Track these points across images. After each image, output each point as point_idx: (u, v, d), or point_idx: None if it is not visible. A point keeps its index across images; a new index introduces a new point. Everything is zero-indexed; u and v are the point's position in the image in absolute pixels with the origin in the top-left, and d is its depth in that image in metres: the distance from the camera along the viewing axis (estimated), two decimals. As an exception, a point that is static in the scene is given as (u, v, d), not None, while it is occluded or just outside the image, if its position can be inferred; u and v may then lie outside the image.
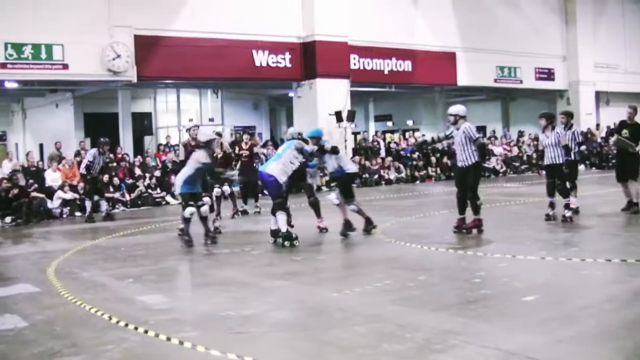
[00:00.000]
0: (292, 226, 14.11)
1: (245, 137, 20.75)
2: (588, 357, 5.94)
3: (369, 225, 14.24)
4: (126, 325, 7.56)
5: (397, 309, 7.91)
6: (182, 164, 15.31)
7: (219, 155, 16.53)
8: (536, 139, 32.24)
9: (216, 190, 16.33)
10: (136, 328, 7.41)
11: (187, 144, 15.63)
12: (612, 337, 6.56)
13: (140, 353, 6.68)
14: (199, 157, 13.34)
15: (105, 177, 22.60)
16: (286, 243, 12.75)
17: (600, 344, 6.33)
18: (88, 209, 20.08)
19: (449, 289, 8.90)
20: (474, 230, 13.51)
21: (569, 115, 15.77)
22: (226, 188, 17.49)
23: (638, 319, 7.11)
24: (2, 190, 20.02)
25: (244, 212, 19.15)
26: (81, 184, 22.07)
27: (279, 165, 13.23)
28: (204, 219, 13.55)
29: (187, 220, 13.34)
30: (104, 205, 20.60)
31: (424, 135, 36.82)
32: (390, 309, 7.88)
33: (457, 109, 13.73)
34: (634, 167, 15.50)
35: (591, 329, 6.81)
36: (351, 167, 14.63)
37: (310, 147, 14.02)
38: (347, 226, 14.07)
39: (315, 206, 14.77)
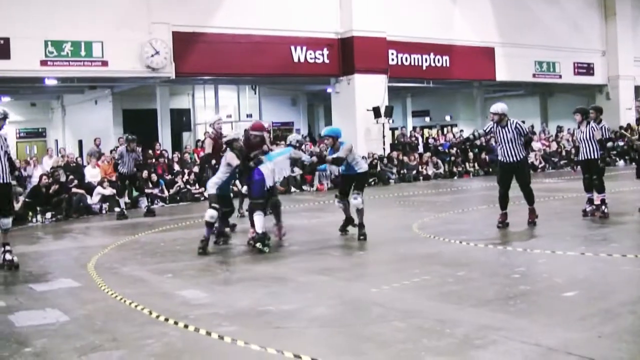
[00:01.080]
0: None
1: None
2: (629, 354, 5.88)
3: (348, 225, 13.71)
4: (166, 319, 7.61)
5: (436, 304, 7.89)
6: (209, 157, 15.45)
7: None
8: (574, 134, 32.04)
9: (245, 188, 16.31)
10: (176, 323, 7.45)
11: (215, 137, 15.41)
12: (654, 333, 6.51)
13: (180, 348, 6.71)
14: (230, 159, 12.59)
15: (145, 174, 22.75)
16: (258, 245, 12.02)
17: (643, 340, 6.29)
18: (122, 205, 20.06)
19: (489, 285, 8.85)
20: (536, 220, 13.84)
21: (598, 111, 15.60)
22: None
23: (680, 315, 7.04)
24: (43, 186, 20.20)
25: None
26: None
27: (270, 166, 12.54)
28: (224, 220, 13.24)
29: (209, 225, 12.45)
30: (143, 202, 20.62)
31: (462, 131, 36.80)
32: (429, 305, 7.87)
33: (502, 107, 13.70)
34: None
35: (632, 325, 6.75)
36: (363, 166, 13.56)
37: (307, 158, 13.43)
38: (359, 227, 13.23)
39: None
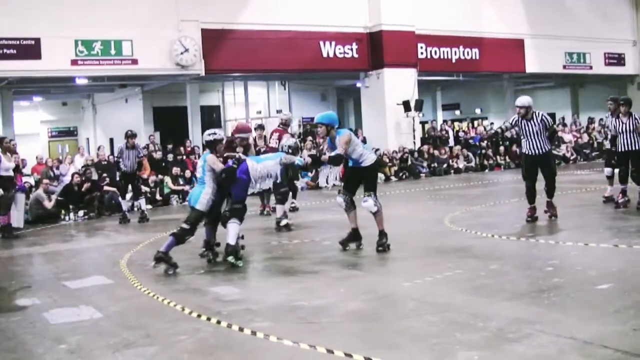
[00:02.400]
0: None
1: (259, 131, 18.41)
2: (666, 346, 5.84)
3: (353, 241, 11.77)
4: (199, 316, 7.63)
5: (469, 298, 7.86)
6: (272, 150, 14.55)
7: (262, 150, 16.15)
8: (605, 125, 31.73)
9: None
10: (209, 319, 7.47)
11: (280, 130, 14.68)
12: (689, 325, 6.45)
13: (213, 343, 6.72)
14: (212, 163, 10.89)
15: (176, 170, 22.83)
16: (230, 258, 10.54)
17: (679, 333, 6.23)
18: (124, 208, 18.68)
19: (521, 278, 8.81)
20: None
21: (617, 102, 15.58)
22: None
23: None
24: (75, 184, 20.36)
25: (294, 209, 17.73)
26: (152, 177, 22.37)
27: (258, 168, 11.04)
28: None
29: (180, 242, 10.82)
30: (142, 205, 18.95)
31: (492, 123, 36.69)
32: (462, 298, 7.83)
33: (528, 100, 13.51)
34: None
35: (668, 318, 6.70)
36: (369, 158, 11.55)
37: (300, 161, 11.46)
38: (382, 236, 11.49)
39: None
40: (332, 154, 11.22)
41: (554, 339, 6.11)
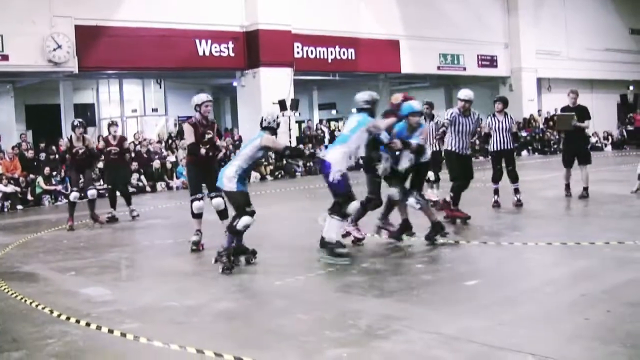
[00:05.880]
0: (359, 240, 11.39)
1: (113, 129, 17.13)
2: (529, 340, 5.98)
3: (439, 230, 11.14)
4: (68, 318, 7.48)
5: (340, 295, 7.96)
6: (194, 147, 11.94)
7: (81, 151, 15.55)
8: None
9: (90, 193, 15.69)
10: (78, 321, 7.33)
11: (196, 123, 11.87)
12: (552, 319, 6.64)
13: (81, 347, 6.61)
14: (273, 143, 10.25)
15: (48, 170, 22.37)
16: (329, 259, 9.83)
17: (541, 327, 6.39)
18: None
19: (392, 276, 8.92)
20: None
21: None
22: (92, 192, 16.00)
23: (578, 300, 7.17)
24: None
25: (113, 219, 16.65)
26: (22, 178, 21.89)
27: (342, 149, 10.16)
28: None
29: (238, 233, 9.92)
30: None
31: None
32: (333, 296, 7.92)
33: (472, 93, 13.11)
34: (585, 151, 15.47)
35: (532, 312, 6.89)
36: (428, 154, 11.44)
37: (385, 136, 10.57)
38: (405, 228, 11.46)
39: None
40: (417, 142, 10.75)
41: (422, 335, 6.23)
